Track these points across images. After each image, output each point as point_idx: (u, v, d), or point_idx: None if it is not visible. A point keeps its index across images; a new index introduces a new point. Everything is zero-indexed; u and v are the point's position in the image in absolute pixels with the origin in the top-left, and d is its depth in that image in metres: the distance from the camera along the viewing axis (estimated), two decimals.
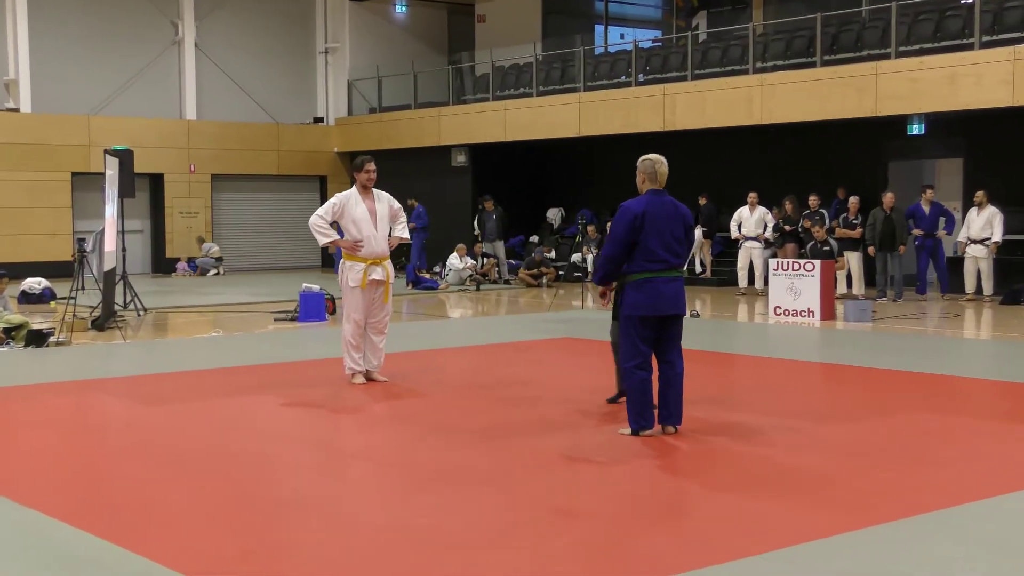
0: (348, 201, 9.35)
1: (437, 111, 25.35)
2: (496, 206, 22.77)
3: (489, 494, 5.93)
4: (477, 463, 6.65)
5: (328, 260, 25.03)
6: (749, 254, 18.88)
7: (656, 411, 7.31)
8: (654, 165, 7.22)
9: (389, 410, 8.60)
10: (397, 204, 9.65)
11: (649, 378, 7.20)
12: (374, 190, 9.48)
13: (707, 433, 7.41)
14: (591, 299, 17.94)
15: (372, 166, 9.40)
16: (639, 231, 7.04)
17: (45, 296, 16.84)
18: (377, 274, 9.37)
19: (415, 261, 23.14)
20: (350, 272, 9.35)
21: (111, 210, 14.95)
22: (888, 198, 17.26)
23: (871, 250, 17.20)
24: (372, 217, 9.36)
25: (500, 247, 22.71)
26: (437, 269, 23.34)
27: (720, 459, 6.78)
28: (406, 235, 9.76)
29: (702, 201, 20.70)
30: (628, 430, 7.29)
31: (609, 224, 7.59)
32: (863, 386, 9.61)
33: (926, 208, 17.45)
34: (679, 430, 7.33)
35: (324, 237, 9.33)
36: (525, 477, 6.27)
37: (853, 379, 10.04)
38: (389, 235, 9.58)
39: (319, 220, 9.32)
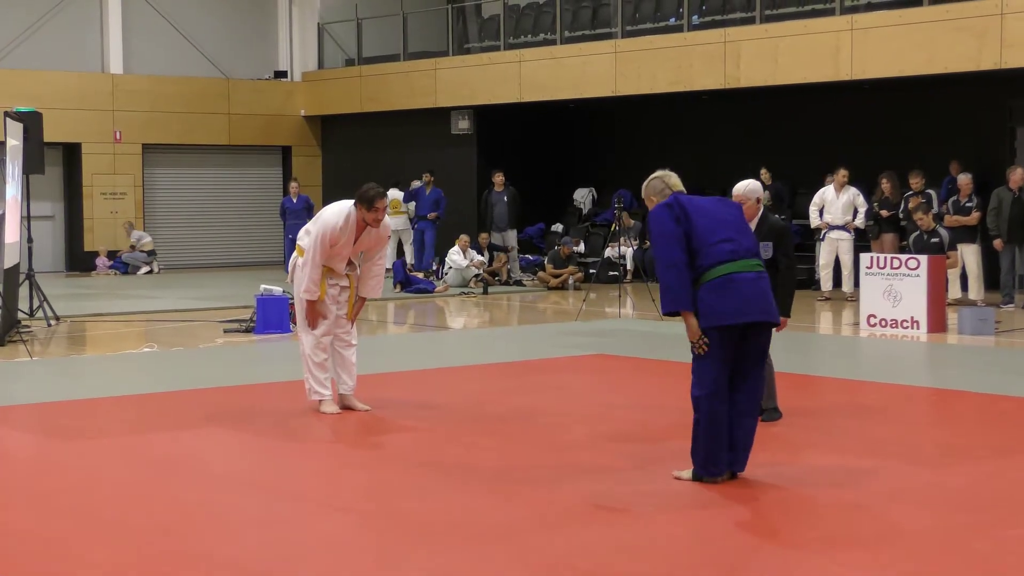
0: (343, 236, 9.18)
1: (433, 63, 25.37)
2: (507, 184, 22.79)
3: (498, 554, 5.93)
4: (484, 515, 6.64)
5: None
6: (835, 247, 18.84)
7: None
8: (662, 179, 7.39)
9: (372, 447, 8.60)
10: (387, 234, 9.61)
11: (725, 411, 7.10)
12: None
13: (781, 477, 7.39)
14: (631, 305, 17.94)
15: (384, 202, 9.24)
16: (685, 219, 7.04)
17: None
18: (340, 280, 9.43)
19: (428, 258, 23.13)
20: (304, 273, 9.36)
21: (13, 190, 14.99)
22: (1017, 175, 17.20)
23: (998, 243, 17.13)
24: (353, 252, 9.36)
25: (512, 237, 22.72)
26: (433, 267, 23.36)
27: (798, 511, 6.76)
28: (377, 293, 9.68)
29: (765, 177, 20.59)
30: (687, 474, 7.26)
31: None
32: (984, 418, 9.57)
33: None
34: (740, 476, 7.29)
35: (311, 298, 9.24)
36: (545, 533, 6.26)
37: (970, 409, 10.00)
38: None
39: (316, 276, 9.17)
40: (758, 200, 8.85)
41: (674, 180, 7.39)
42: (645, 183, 7.46)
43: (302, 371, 9.61)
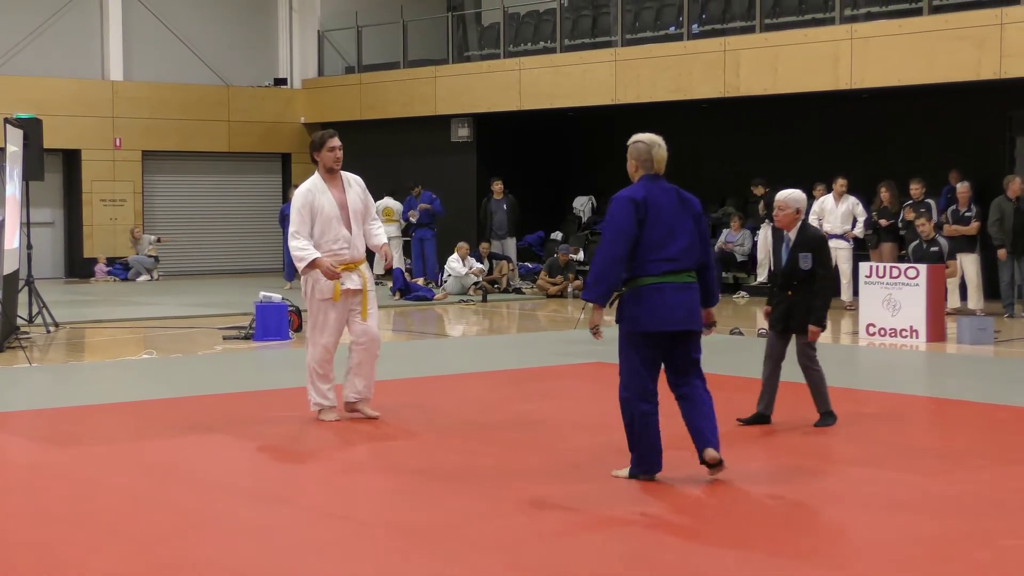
0: (314, 196, 9.27)
1: (433, 71, 25.39)
2: (507, 192, 22.78)
3: (496, 563, 5.93)
4: (481, 523, 6.64)
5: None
6: (833, 256, 18.84)
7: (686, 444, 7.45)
8: (650, 149, 7.44)
9: (370, 454, 8.60)
10: (367, 194, 9.60)
11: (653, 412, 7.34)
12: (342, 173, 9.44)
13: (778, 486, 7.40)
14: None
15: (336, 141, 9.34)
16: (643, 222, 7.22)
17: None
18: (352, 282, 9.34)
19: (432, 267, 23.09)
20: (315, 279, 9.28)
21: (12, 194, 14.99)
22: (1016, 184, 17.20)
23: (1002, 252, 17.11)
24: (343, 212, 9.31)
25: (511, 246, 22.71)
26: (441, 278, 23.35)
27: (796, 519, 6.77)
28: (383, 238, 9.65)
29: (759, 191, 20.81)
30: (624, 472, 7.50)
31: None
32: (983, 427, 9.57)
33: None
34: (724, 464, 7.32)
35: (308, 258, 9.11)
36: (543, 541, 6.26)
37: (969, 418, 10.00)
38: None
39: (300, 242, 9.13)
40: (798, 211, 9.05)
41: (660, 153, 7.44)
42: (632, 141, 7.51)
43: (305, 379, 9.59)
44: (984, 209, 17.53)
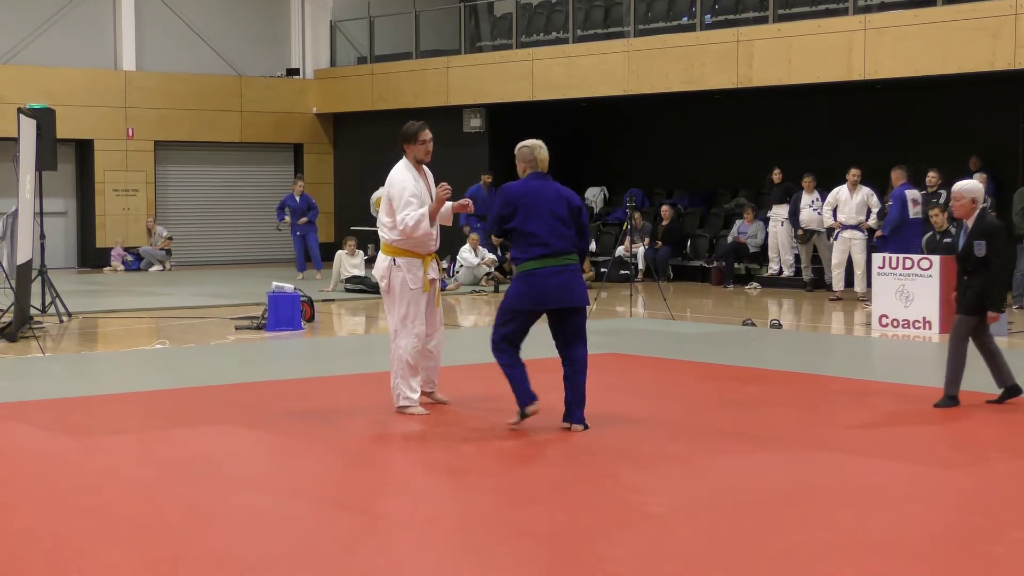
0: (419, 183, 9.34)
1: (445, 62, 25.38)
2: None
3: (508, 556, 5.92)
4: (494, 515, 6.65)
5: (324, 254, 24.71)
6: (847, 247, 18.81)
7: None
8: (532, 151, 8.67)
9: (383, 446, 8.61)
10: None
11: (513, 364, 8.62)
12: (423, 166, 9.49)
13: (792, 475, 7.38)
14: (642, 304, 17.94)
15: (429, 134, 9.48)
16: (510, 217, 8.45)
17: None
18: (435, 271, 9.50)
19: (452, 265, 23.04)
20: (407, 271, 9.27)
21: (27, 186, 15.00)
22: None
23: None
24: (435, 206, 9.33)
25: None
26: (444, 265, 23.36)
27: (808, 511, 6.75)
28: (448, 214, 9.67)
29: (777, 178, 20.79)
30: (516, 418, 8.61)
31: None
32: (997, 420, 9.54)
33: None
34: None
35: (424, 220, 9.10)
36: (555, 535, 6.26)
37: (983, 410, 9.97)
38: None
39: (415, 214, 9.11)
40: (973, 200, 9.51)
41: (542, 154, 8.68)
42: (518, 147, 8.77)
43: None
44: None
